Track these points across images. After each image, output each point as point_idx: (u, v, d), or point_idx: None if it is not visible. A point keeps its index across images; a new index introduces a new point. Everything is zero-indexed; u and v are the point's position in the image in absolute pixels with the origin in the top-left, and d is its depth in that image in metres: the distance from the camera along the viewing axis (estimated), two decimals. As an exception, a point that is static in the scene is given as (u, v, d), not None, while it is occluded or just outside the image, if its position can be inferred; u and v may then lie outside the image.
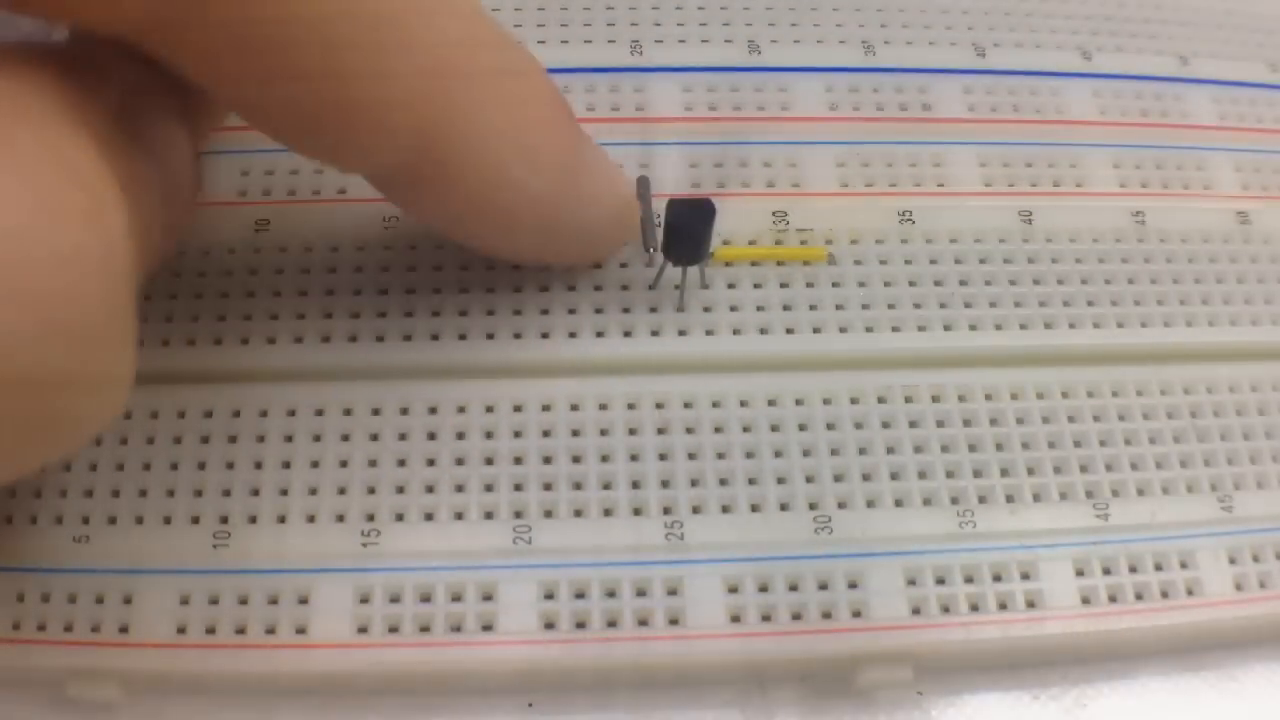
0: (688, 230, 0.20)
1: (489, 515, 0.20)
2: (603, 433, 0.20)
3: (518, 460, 0.20)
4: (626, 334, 0.21)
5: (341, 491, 0.20)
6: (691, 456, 0.20)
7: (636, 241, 0.22)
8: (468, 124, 0.17)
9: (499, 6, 0.25)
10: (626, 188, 0.21)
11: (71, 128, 0.14)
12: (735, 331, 0.22)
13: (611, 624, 0.19)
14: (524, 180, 0.18)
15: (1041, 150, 0.24)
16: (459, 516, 0.20)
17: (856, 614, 0.19)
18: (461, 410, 0.21)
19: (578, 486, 0.20)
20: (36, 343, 0.13)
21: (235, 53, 0.15)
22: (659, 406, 0.21)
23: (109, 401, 0.15)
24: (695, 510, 0.20)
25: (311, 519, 0.19)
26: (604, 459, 0.20)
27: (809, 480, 0.20)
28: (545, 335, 0.21)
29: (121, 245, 0.14)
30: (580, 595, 0.19)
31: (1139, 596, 0.20)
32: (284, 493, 0.20)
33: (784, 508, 0.20)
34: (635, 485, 0.20)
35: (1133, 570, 0.20)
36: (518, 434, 0.20)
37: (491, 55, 0.18)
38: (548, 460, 0.20)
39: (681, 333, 0.22)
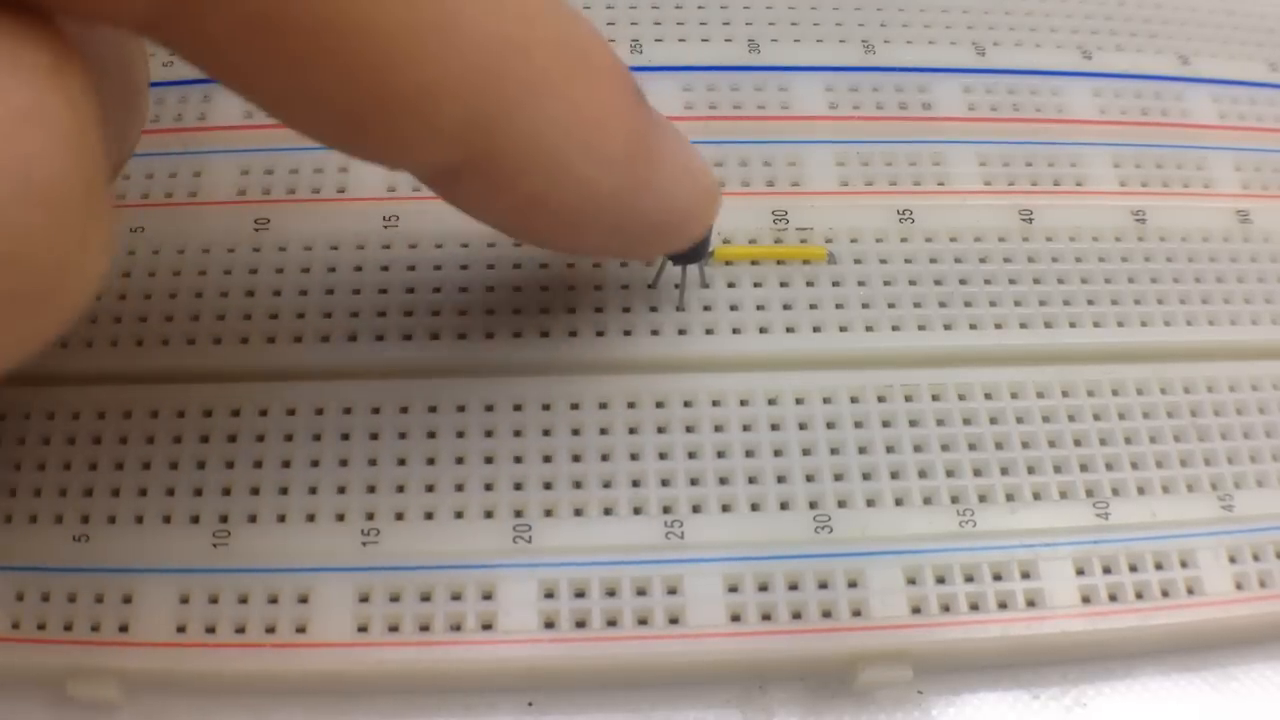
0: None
1: (489, 514, 0.20)
2: (602, 431, 0.20)
3: (517, 459, 0.20)
4: (626, 333, 0.21)
5: (341, 490, 0.20)
6: (691, 455, 0.20)
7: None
8: (525, 115, 0.15)
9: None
10: (706, 175, 0.19)
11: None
12: (735, 330, 0.22)
13: (611, 623, 0.19)
14: (589, 176, 0.16)
15: (1041, 149, 0.24)
16: (459, 515, 0.20)
17: (856, 613, 0.19)
18: (461, 409, 0.21)
19: (578, 485, 0.20)
20: (9, 206, 0.12)
21: (256, 43, 0.13)
22: (659, 405, 0.21)
23: (83, 272, 0.13)
24: (695, 509, 0.20)
25: (311, 518, 0.19)
26: (604, 458, 0.20)
27: (809, 479, 0.20)
28: (545, 334, 0.21)
29: (88, 110, 0.13)
30: (580, 594, 0.19)
31: (1139, 596, 0.20)
32: (284, 492, 0.20)
33: (784, 507, 0.20)
34: (635, 484, 0.20)
35: (1133, 569, 0.20)
36: (517, 433, 0.20)
37: (550, 31, 0.15)
38: (547, 459, 0.20)
39: (681, 332, 0.21)
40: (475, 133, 0.15)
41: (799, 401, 0.21)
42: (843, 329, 0.22)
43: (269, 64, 0.14)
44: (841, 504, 0.20)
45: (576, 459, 0.20)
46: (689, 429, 0.21)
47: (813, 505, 0.20)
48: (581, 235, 0.18)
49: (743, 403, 0.21)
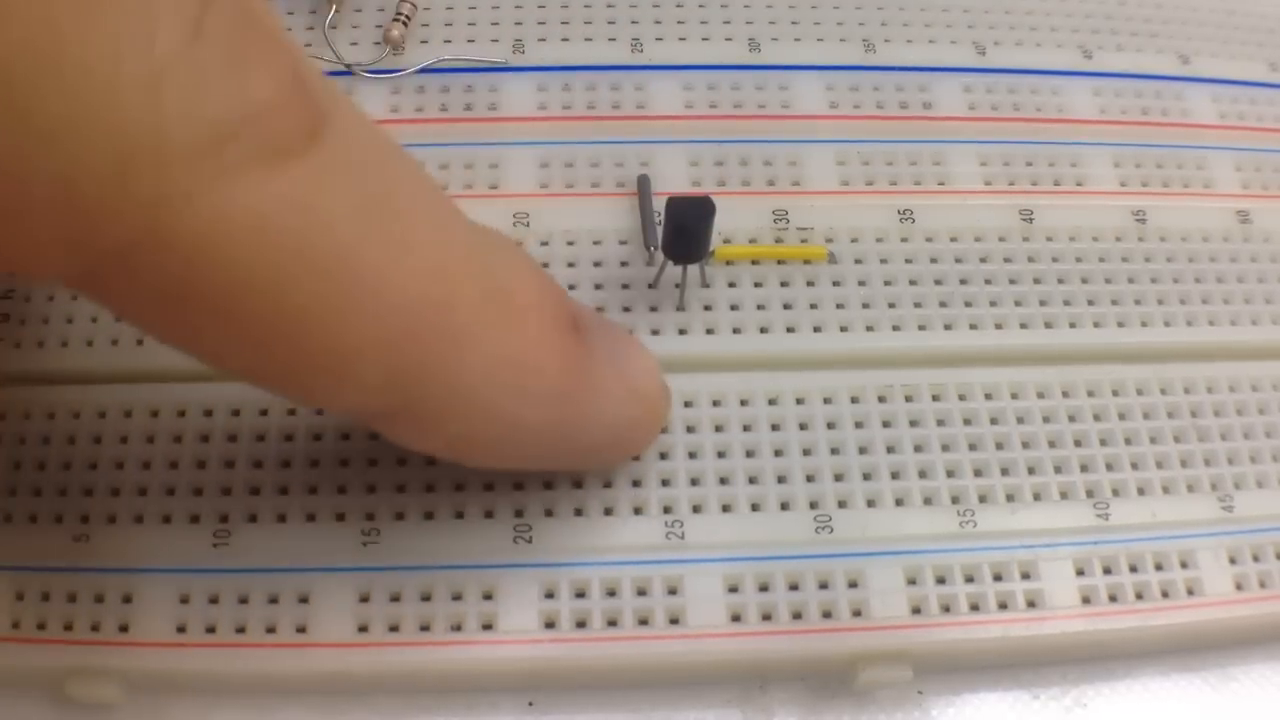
0: (688, 229, 0.20)
1: (489, 514, 0.20)
2: (603, 432, 0.20)
3: (518, 459, 0.20)
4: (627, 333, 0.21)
5: (341, 490, 0.20)
6: (692, 455, 0.20)
7: (638, 242, 0.22)
8: (447, 368, 0.15)
9: (499, 4, 0.25)
10: (648, 381, 0.19)
11: None
12: (736, 330, 0.22)
13: (612, 623, 0.19)
14: (519, 415, 0.16)
15: (1042, 149, 0.24)
16: (459, 515, 0.20)
17: (857, 613, 0.19)
18: (461, 409, 0.20)
19: (578, 485, 0.20)
20: None
21: (169, 311, 0.13)
22: (659, 405, 0.21)
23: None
24: (695, 509, 0.20)
25: (311, 518, 0.19)
26: (604, 458, 0.20)
27: (809, 479, 0.20)
28: (545, 334, 0.21)
29: None
30: (580, 594, 0.19)
31: (1139, 596, 0.20)
32: (284, 491, 0.20)
33: (784, 507, 0.20)
34: (636, 484, 0.20)
35: (1133, 570, 0.20)
36: (518, 433, 0.20)
37: (471, 283, 0.15)
38: (548, 459, 0.20)
39: (682, 331, 0.21)
40: (397, 386, 0.15)
41: (799, 401, 0.21)
42: (843, 329, 0.22)
43: (184, 329, 0.14)
44: (842, 504, 0.20)
45: (577, 459, 0.20)
46: (689, 429, 0.21)
47: (813, 505, 0.20)
48: (516, 463, 0.19)
49: (743, 403, 0.21)
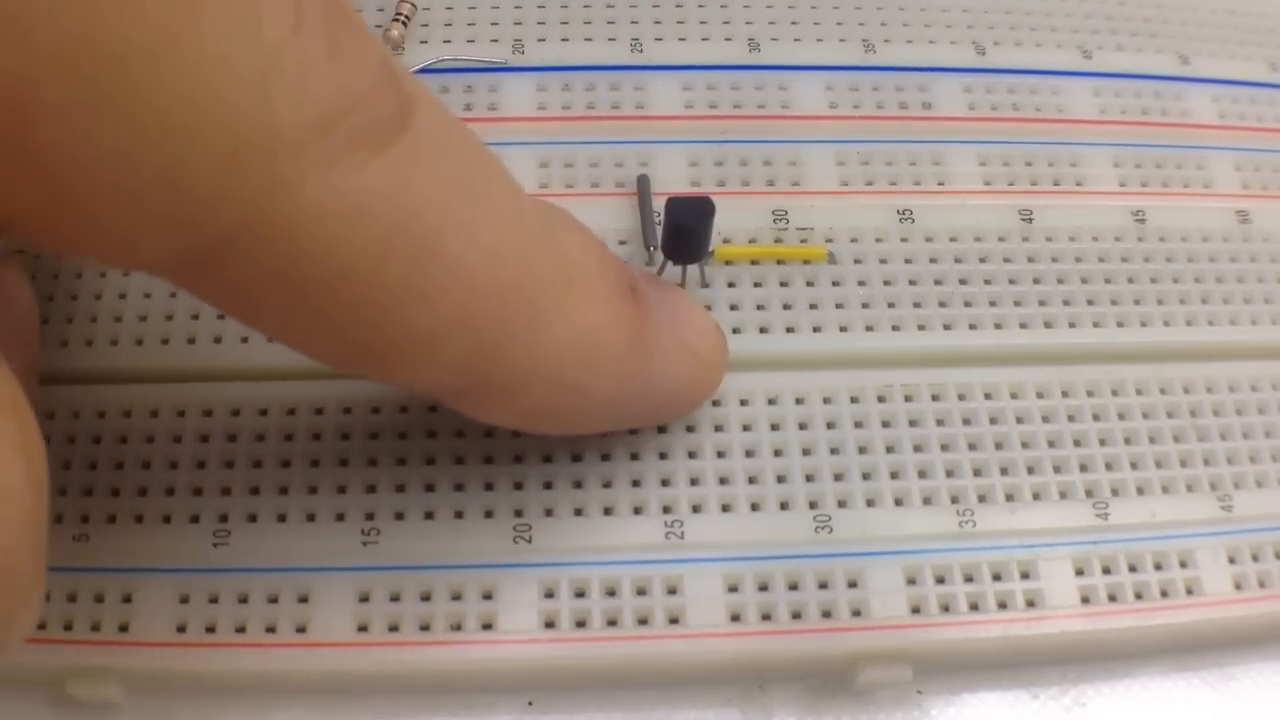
0: (687, 228, 0.20)
1: (489, 514, 0.20)
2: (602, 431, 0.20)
3: (517, 459, 0.20)
4: (626, 333, 0.21)
5: (341, 490, 0.20)
6: (691, 455, 0.20)
7: (637, 242, 0.22)
8: (522, 345, 0.16)
9: (499, 4, 0.25)
10: (707, 338, 0.19)
11: None
12: (735, 330, 0.22)
13: (611, 623, 0.19)
14: (588, 385, 0.17)
15: (1041, 149, 0.24)
16: (459, 515, 0.20)
17: (856, 613, 0.19)
18: (461, 409, 0.21)
19: (578, 485, 0.20)
20: None
21: (268, 294, 0.14)
22: (659, 405, 0.21)
23: (25, 624, 0.14)
24: (695, 509, 0.20)
25: (311, 518, 0.19)
26: (604, 457, 0.20)
27: (809, 479, 0.20)
28: (545, 334, 0.21)
29: (42, 467, 0.13)
30: (580, 594, 0.19)
31: (1138, 596, 0.20)
32: (284, 492, 0.20)
33: (784, 507, 0.20)
34: (635, 484, 0.20)
35: (1132, 570, 0.20)
36: (517, 433, 0.20)
37: (541, 262, 0.16)
38: (547, 458, 0.20)
39: (681, 331, 0.21)
40: (475, 365, 0.15)
41: (798, 401, 0.21)
42: (843, 329, 0.22)
43: (280, 312, 0.14)
44: (841, 504, 0.20)
45: (576, 459, 0.20)
46: (689, 429, 0.21)
47: (813, 505, 0.20)
48: (586, 427, 0.19)
49: (743, 403, 0.21)
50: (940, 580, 0.19)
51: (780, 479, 0.20)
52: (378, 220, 0.13)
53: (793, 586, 0.19)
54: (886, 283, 0.22)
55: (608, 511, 0.20)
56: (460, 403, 0.17)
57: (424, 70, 0.24)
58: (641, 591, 0.19)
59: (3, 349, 0.14)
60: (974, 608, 0.19)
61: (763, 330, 0.22)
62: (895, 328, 0.22)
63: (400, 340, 0.15)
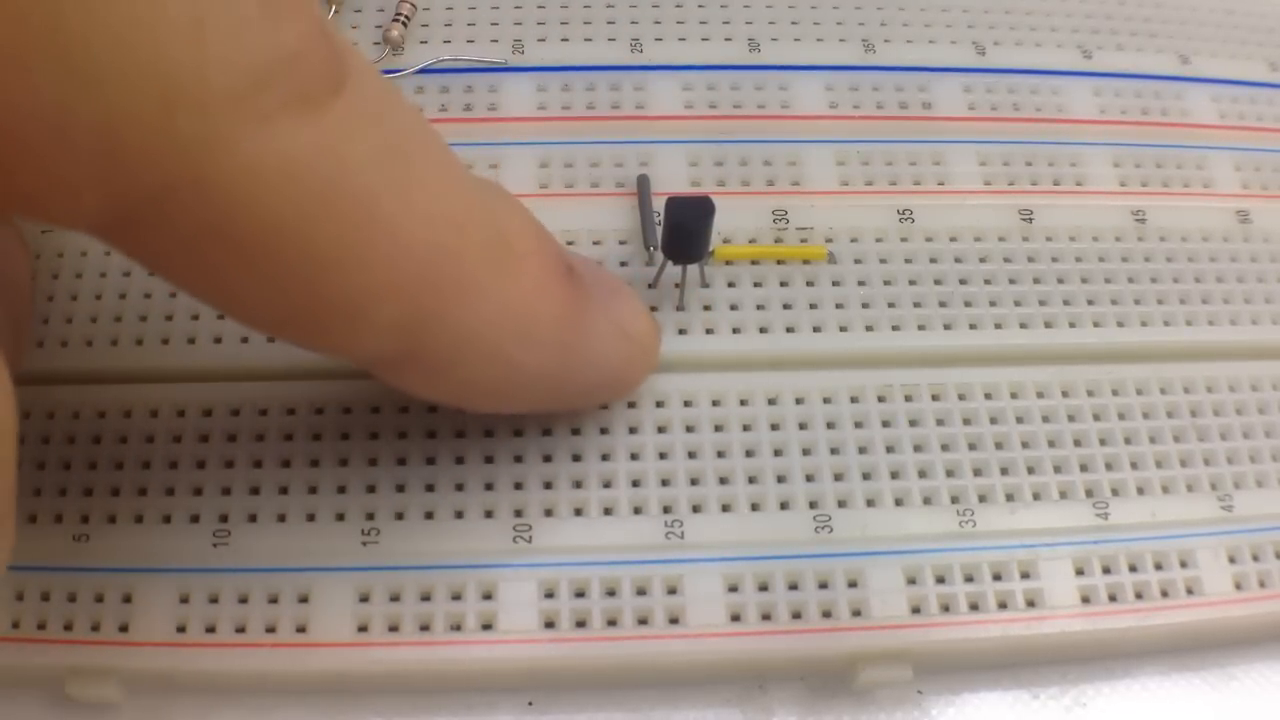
0: (687, 228, 0.20)
1: (489, 514, 0.20)
2: (602, 431, 0.20)
3: (517, 458, 0.20)
4: (626, 333, 0.21)
5: (341, 490, 0.20)
6: (691, 455, 0.20)
7: (637, 242, 0.22)
8: (457, 314, 0.16)
9: (499, 4, 0.25)
10: (640, 324, 0.19)
11: None
12: (735, 330, 0.22)
13: (611, 623, 0.19)
14: (521, 359, 0.17)
15: (1041, 149, 0.24)
16: (459, 515, 0.20)
17: (856, 613, 0.19)
18: (461, 408, 0.20)
19: (578, 485, 0.20)
20: None
21: (201, 254, 0.14)
22: (659, 405, 0.21)
23: None
24: (695, 509, 0.20)
25: (311, 518, 0.19)
26: (604, 457, 0.20)
27: (809, 479, 0.20)
28: (545, 334, 0.21)
29: (8, 412, 0.13)
30: (580, 594, 0.19)
31: (1139, 596, 0.20)
32: (284, 492, 0.20)
33: (784, 506, 0.20)
34: (635, 484, 0.20)
35: (1132, 569, 0.20)
36: (518, 432, 0.20)
37: (479, 233, 0.16)
38: (547, 458, 0.20)
39: (681, 331, 0.21)
40: (409, 331, 0.15)
41: (799, 401, 0.21)
42: (843, 329, 0.22)
43: (214, 272, 0.14)
44: (841, 504, 0.20)
45: (576, 459, 0.20)
46: (689, 429, 0.21)
47: (813, 505, 0.20)
48: (517, 405, 0.19)
49: (743, 403, 0.21)
50: (940, 580, 0.19)
51: (780, 479, 0.20)
52: (312, 179, 0.13)
53: (793, 586, 0.19)
54: (886, 283, 0.22)
55: (608, 511, 0.20)
56: (395, 375, 0.17)
57: (424, 70, 0.24)
58: (641, 591, 0.19)
59: None
60: (974, 608, 0.19)
61: (762, 330, 0.22)
62: (895, 328, 0.22)
63: (333, 303, 0.15)
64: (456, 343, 0.16)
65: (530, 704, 0.19)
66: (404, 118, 0.15)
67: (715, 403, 0.21)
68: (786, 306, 0.22)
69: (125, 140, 0.12)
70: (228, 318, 0.15)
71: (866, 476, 0.20)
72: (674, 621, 0.19)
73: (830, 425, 0.21)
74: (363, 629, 0.19)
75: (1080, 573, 0.20)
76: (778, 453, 0.20)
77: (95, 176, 0.12)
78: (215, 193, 0.13)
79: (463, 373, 0.17)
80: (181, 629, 0.19)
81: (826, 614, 0.19)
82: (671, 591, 0.19)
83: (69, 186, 0.13)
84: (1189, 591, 0.20)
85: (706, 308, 0.22)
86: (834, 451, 0.21)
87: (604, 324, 0.19)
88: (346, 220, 0.14)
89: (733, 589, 0.19)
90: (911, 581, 0.19)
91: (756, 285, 0.22)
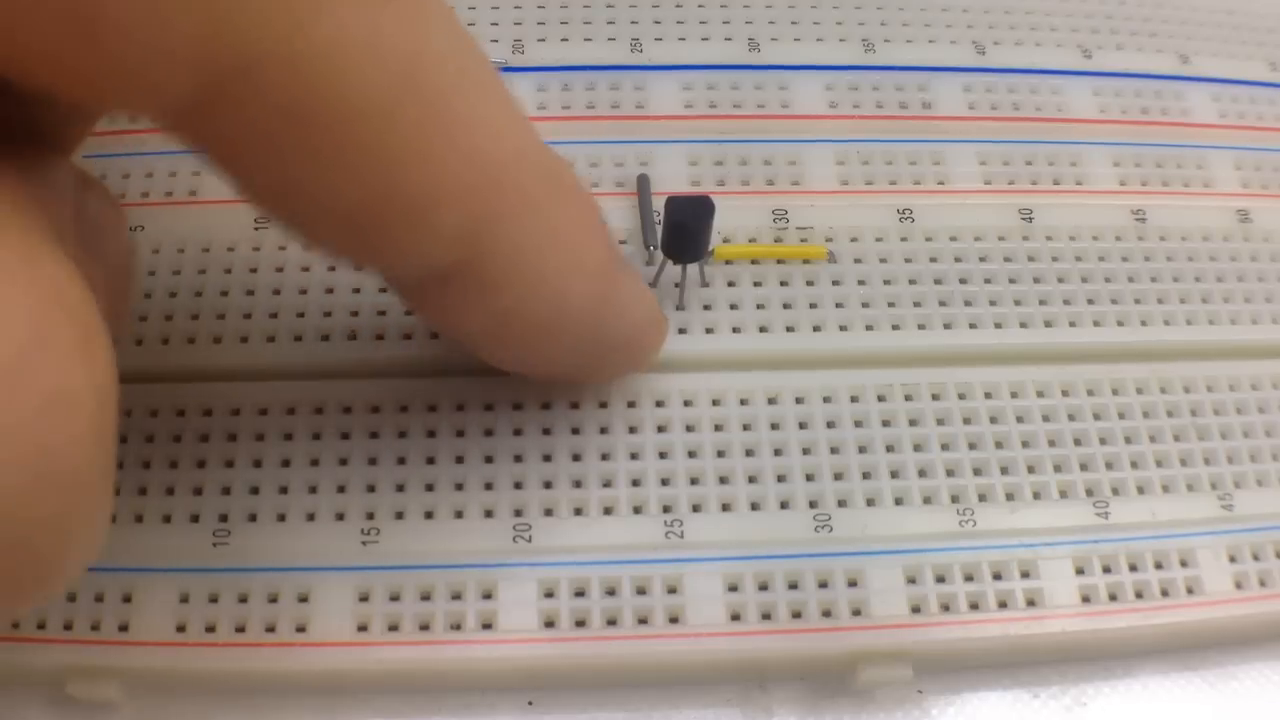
0: (687, 228, 0.20)
1: (489, 513, 0.20)
2: (602, 430, 0.20)
3: (517, 458, 0.20)
4: (626, 332, 0.21)
5: (341, 489, 0.20)
6: (691, 454, 0.20)
7: (637, 242, 0.22)
8: (514, 227, 0.16)
9: (499, 4, 0.25)
10: (655, 302, 0.20)
11: (49, 243, 0.13)
12: (735, 329, 0.22)
13: (611, 622, 0.19)
14: (564, 290, 0.17)
15: (1041, 148, 0.24)
16: (459, 514, 0.20)
17: (856, 612, 0.19)
18: (460, 408, 0.21)
19: (577, 484, 0.20)
20: (22, 496, 0.12)
21: (284, 134, 0.14)
22: (659, 404, 0.21)
23: (88, 545, 0.14)
24: (695, 508, 0.20)
25: (311, 517, 0.19)
26: (604, 457, 0.20)
27: (809, 478, 0.20)
28: (545, 333, 0.21)
29: (109, 377, 0.13)
30: (580, 593, 0.19)
31: (1139, 595, 0.20)
32: (284, 491, 0.20)
33: (784, 506, 0.20)
34: (635, 483, 0.20)
35: (1133, 569, 0.20)
36: (518, 431, 0.20)
37: (534, 159, 0.16)
38: (547, 458, 0.20)
39: (681, 331, 0.21)
40: (468, 238, 0.15)
41: (799, 401, 0.21)
42: (843, 328, 0.22)
43: (284, 160, 0.14)
44: (841, 503, 0.20)
45: (576, 458, 0.20)
46: (689, 428, 0.21)
47: (813, 504, 0.20)
48: (549, 348, 0.19)
49: (743, 402, 0.21)
50: (940, 579, 0.19)
51: (780, 478, 0.20)
52: (396, 59, 0.14)
53: (793, 586, 0.19)
54: (886, 282, 0.22)
55: (607, 511, 0.20)
56: (439, 293, 0.17)
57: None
58: (641, 591, 0.19)
59: (89, 270, 0.13)
60: (974, 607, 0.19)
61: (762, 330, 0.22)
62: (895, 327, 0.22)
63: (401, 199, 0.15)
64: (511, 256, 0.16)
65: (530, 704, 0.19)
66: (469, 38, 0.16)
67: (715, 402, 0.21)
68: (786, 306, 0.22)
69: (215, 11, 0.12)
70: (284, 219, 0.15)
71: (866, 476, 0.20)
72: (674, 621, 0.19)
73: (830, 425, 0.21)
74: (362, 629, 0.19)
75: (1080, 572, 0.20)
76: (778, 452, 0.20)
77: (184, 53, 0.12)
78: (299, 67, 0.13)
79: (509, 297, 0.17)
80: (181, 629, 0.19)
81: (826, 613, 0.19)
82: (671, 591, 0.19)
83: (158, 65, 0.13)
84: (1189, 591, 0.20)
85: (706, 307, 0.22)
86: (834, 451, 0.21)
87: (632, 281, 0.19)
88: (419, 113, 0.14)
89: (733, 588, 0.19)
90: (911, 581, 0.19)
91: (756, 285, 0.22)
